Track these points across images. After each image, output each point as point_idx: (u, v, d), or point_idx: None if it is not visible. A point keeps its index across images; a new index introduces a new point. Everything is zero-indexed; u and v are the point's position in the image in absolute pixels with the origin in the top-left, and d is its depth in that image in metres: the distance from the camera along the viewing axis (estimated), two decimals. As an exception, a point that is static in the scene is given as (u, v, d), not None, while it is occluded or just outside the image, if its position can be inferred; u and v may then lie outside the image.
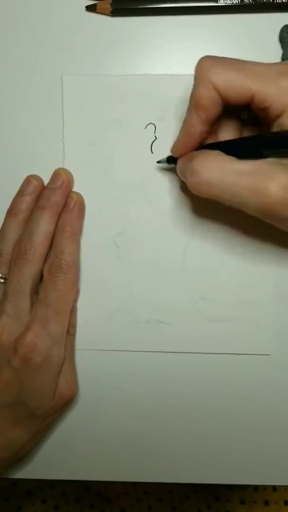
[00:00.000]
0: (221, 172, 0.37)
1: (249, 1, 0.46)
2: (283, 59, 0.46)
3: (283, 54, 0.46)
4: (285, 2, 0.46)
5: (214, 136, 0.43)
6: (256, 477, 0.50)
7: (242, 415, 0.49)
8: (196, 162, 0.38)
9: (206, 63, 0.38)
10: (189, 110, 0.40)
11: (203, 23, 0.47)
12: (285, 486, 0.98)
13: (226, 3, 0.46)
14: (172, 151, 0.43)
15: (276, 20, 0.47)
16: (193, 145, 0.41)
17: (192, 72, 0.42)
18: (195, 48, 0.48)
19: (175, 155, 0.43)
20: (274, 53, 0.47)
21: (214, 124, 0.41)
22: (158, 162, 0.47)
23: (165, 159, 0.46)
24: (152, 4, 0.47)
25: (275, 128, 0.38)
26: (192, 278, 0.48)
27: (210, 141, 0.42)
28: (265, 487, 0.97)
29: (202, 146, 0.41)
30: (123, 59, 0.48)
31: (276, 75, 0.36)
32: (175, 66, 0.48)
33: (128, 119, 0.48)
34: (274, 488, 0.98)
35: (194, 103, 0.39)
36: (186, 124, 0.40)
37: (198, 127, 0.39)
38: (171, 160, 0.46)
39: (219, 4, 0.46)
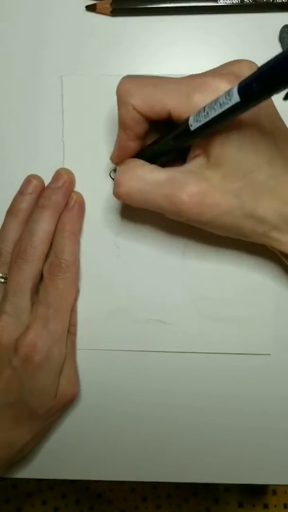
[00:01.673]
0: (139, 183, 0.40)
1: (249, 1, 0.46)
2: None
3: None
4: (285, 2, 0.46)
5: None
6: (257, 477, 0.50)
7: (242, 415, 0.49)
8: (118, 173, 0.42)
9: (124, 85, 0.39)
10: (118, 128, 0.41)
11: (203, 23, 0.47)
12: (285, 490, 0.98)
13: (226, 3, 0.46)
14: (110, 160, 0.44)
15: (276, 20, 0.47)
16: (128, 157, 0.43)
17: (192, 72, 0.42)
18: (195, 48, 0.48)
19: (114, 164, 0.44)
20: (274, 53, 0.47)
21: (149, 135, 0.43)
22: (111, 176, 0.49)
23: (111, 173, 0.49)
24: (152, 4, 0.47)
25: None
26: (192, 278, 0.48)
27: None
28: (265, 491, 0.97)
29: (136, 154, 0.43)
30: (123, 59, 0.48)
31: (189, 90, 0.37)
32: (175, 66, 0.48)
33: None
34: (274, 491, 0.98)
35: (119, 123, 0.40)
36: (117, 141, 0.42)
37: (129, 143, 0.41)
38: None
39: (219, 4, 0.46)
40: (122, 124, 0.40)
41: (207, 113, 0.34)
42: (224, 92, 0.32)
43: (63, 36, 0.48)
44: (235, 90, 0.31)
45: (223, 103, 0.32)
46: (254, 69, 0.35)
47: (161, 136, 0.42)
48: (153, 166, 0.41)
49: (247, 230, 0.40)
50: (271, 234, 0.40)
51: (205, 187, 0.38)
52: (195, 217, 0.39)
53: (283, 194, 0.38)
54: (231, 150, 0.37)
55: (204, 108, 0.34)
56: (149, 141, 0.43)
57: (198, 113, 0.35)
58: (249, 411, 0.49)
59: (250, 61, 0.39)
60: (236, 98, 0.31)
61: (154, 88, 0.38)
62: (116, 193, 0.41)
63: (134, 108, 0.38)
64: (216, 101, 0.33)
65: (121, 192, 0.41)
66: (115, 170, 0.46)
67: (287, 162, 0.38)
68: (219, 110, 0.33)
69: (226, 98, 0.32)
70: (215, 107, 0.33)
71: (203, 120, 0.35)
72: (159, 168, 0.40)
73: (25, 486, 0.90)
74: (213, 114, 0.34)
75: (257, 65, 0.38)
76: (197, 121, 0.35)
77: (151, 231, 0.48)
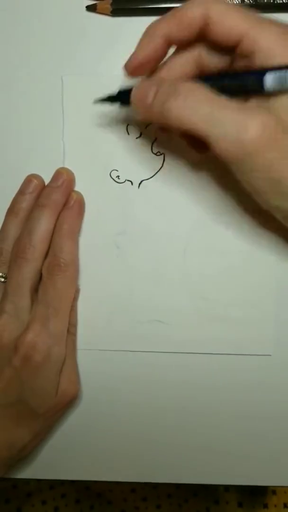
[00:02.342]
0: (209, 103, 0.36)
1: (249, 2, 0.46)
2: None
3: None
4: (285, 3, 0.46)
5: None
6: (257, 478, 0.50)
7: (243, 415, 0.49)
8: (182, 86, 0.37)
9: None
10: (162, 17, 0.38)
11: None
12: (284, 490, 0.98)
13: (226, 2, 0.46)
14: (130, 61, 0.41)
15: (276, 20, 0.47)
16: (153, 61, 0.40)
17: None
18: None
19: (132, 65, 0.40)
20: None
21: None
22: (98, 101, 0.44)
23: (106, 97, 0.44)
24: (152, 4, 0.47)
25: None
26: (192, 278, 0.48)
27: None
28: (264, 491, 0.97)
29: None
30: (123, 59, 0.48)
31: (272, 25, 0.35)
32: (175, 66, 0.48)
33: (128, 119, 0.48)
34: (274, 491, 0.98)
35: (174, 12, 0.38)
36: (149, 29, 0.39)
37: (160, 39, 0.38)
38: (118, 97, 0.43)
39: (219, 3, 0.46)
40: (177, 15, 0.37)
41: None
42: None
43: (63, 36, 0.48)
44: None
45: None
46: None
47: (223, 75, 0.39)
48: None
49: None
50: None
51: (279, 127, 0.35)
52: (258, 153, 0.35)
53: None
54: None
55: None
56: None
57: (280, 77, 0.33)
58: (250, 412, 0.49)
59: None
60: None
61: (237, 9, 0.36)
62: (178, 108, 0.36)
63: (207, 14, 0.36)
64: None
65: (186, 107, 0.36)
66: (116, 96, 0.43)
67: None
68: None
69: None
70: None
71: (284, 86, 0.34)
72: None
73: (25, 486, 0.90)
74: None
75: None
76: (276, 82, 0.34)
77: (151, 231, 0.48)
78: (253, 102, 0.36)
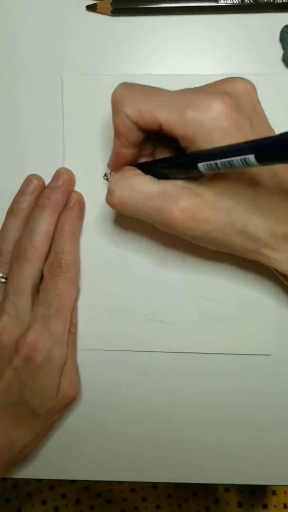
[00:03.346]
0: (131, 193, 0.40)
1: (250, 1, 0.46)
2: (283, 60, 0.46)
3: (283, 54, 0.46)
4: (286, 2, 0.46)
5: (150, 155, 0.44)
6: (257, 477, 0.50)
7: (243, 415, 0.49)
8: (112, 181, 0.41)
9: (118, 92, 0.39)
10: (114, 135, 0.41)
11: (204, 23, 0.47)
12: (284, 490, 0.98)
13: (226, 3, 0.46)
14: (107, 166, 0.44)
15: (276, 20, 0.47)
16: (125, 163, 0.43)
17: (192, 72, 0.42)
18: (195, 48, 0.48)
19: (111, 170, 0.44)
20: (274, 53, 0.47)
21: (147, 143, 0.43)
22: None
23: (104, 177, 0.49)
24: (152, 4, 0.47)
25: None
26: (192, 278, 0.48)
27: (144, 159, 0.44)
28: (264, 491, 0.97)
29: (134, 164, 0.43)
30: (123, 59, 0.48)
31: (181, 106, 0.37)
32: (176, 66, 0.48)
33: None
34: (274, 492, 0.98)
35: (114, 130, 0.40)
36: (113, 147, 0.42)
37: (123, 150, 0.41)
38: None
39: (219, 4, 0.46)
40: (116, 131, 0.40)
41: (219, 167, 0.34)
42: (239, 158, 0.32)
43: (63, 35, 0.48)
44: (252, 159, 0.31)
45: (238, 165, 0.32)
46: (249, 89, 0.37)
47: (163, 160, 0.42)
48: (147, 177, 0.41)
49: (238, 246, 0.40)
50: (262, 251, 0.40)
51: (197, 203, 0.38)
52: (186, 232, 0.39)
53: (273, 212, 0.38)
54: None
55: (216, 164, 0.34)
56: (146, 150, 0.43)
57: (210, 166, 0.35)
58: (250, 412, 0.49)
59: (245, 80, 0.38)
60: (253, 163, 0.31)
61: (146, 98, 0.38)
62: (109, 201, 0.41)
63: (127, 116, 0.38)
64: (230, 162, 0.33)
65: (113, 201, 0.41)
66: (109, 174, 0.47)
67: (278, 182, 0.38)
68: (231, 168, 0.33)
69: (241, 162, 0.32)
70: (228, 166, 0.33)
71: (214, 170, 0.35)
72: (153, 180, 0.40)
73: (25, 486, 0.90)
74: (224, 169, 0.34)
75: (252, 84, 0.38)
76: (208, 169, 0.35)
77: (152, 231, 0.48)
78: (179, 182, 0.40)
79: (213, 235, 0.39)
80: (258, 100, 0.39)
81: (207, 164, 0.35)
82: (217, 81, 0.39)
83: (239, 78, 0.39)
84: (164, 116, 0.37)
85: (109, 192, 0.41)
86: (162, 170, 0.41)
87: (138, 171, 0.41)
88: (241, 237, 0.39)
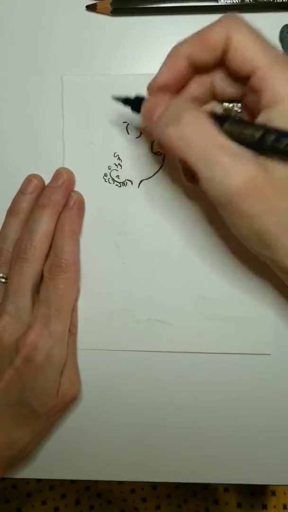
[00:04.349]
0: (206, 139, 0.35)
1: (250, 1, 0.46)
2: (283, 59, 0.46)
3: (283, 54, 0.46)
4: (286, 2, 0.46)
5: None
6: (257, 477, 0.50)
7: (243, 414, 0.49)
8: (187, 114, 0.36)
9: (239, 18, 0.36)
10: (187, 38, 0.38)
11: (204, 23, 0.47)
12: (284, 491, 0.98)
13: (226, 2, 0.46)
14: (154, 81, 0.40)
15: (276, 20, 0.47)
16: (177, 82, 0.39)
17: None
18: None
19: (156, 86, 0.40)
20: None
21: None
22: (115, 98, 0.43)
23: (123, 98, 0.43)
24: (152, 4, 0.47)
25: (259, 120, 0.36)
26: (192, 278, 0.48)
27: None
28: (264, 492, 0.97)
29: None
30: (123, 59, 0.48)
31: (285, 64, 0.35)
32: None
33: (128, 118, 0.48)
34: (273, 492, 0.98)
35: (199, 34, 0.37)
36: (175, 50, 0.39)
37: (184, 61, 0.38)
38: (132, 102, 0.42)
39: (219, 3, 0.46)
40: (202, 37, 0.37)
41: None
42: None
43: (63, 36, 0.48)
44: None
45: None
46: None
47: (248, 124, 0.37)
48: (223, 136, 0.35)
49: (280, 242, 0.36)
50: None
51: (270, 179, 0.34)
52: (242, 203, 0.35)
53: None
54: None
55: None
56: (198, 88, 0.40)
57: None
58: (249, 411, 0.49)
59: None
60: None
61: (258, 41, 0.35)
62: (174, 134, 0.36)
63: (230, 39, 0.35)
64: None
65: (180, 137, 0.36)
66: (131, 101, 0.42)
67: None
68: None
69: None
70: None
71: None
72: (227, 138, 0.35)
73: (25, 486, 0.90)
74: None
75: None
76: None
77: (152, 231, 0.48)
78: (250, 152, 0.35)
79: (264, 218, 0.35)
80: None
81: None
82: None
83: None
84: (267, 63, 0.35)
85: (178, 125, 0.36)
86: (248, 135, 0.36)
87: (210, 121, 0.36)
88: (283, 234, 0.35)
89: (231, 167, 0.34)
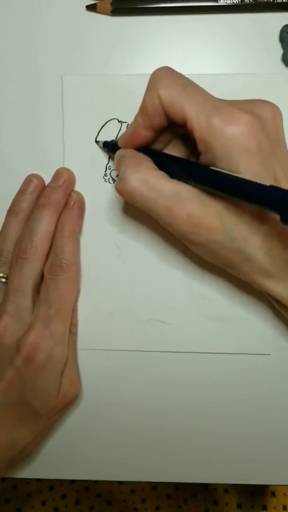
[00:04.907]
0: (144, 187, 0.39)
1: (250, 1, 0.46)
2: (283, 59, 0.47)
3: (283, 54, 0.46)
4: (285, 2, 0.46)
5: (162, 146, 0.44)
6: (256, 478, 0.50)
7: (243, 414, 0.49)
8: (127, 169, 0.40)
9: (161, 73, 0.39)
10: (138, 112, 0.41)
11: (203, 23, 0.47)
12: (284, 492, 0.98)
13: (226, 2, 0.46)
14: (118, 141, 0.43)
15: (276, 20, 0.47)
16: (137, 144, 0.42)
17: (192, 72, 0.42)
18: (195, 48, 0.48)
19: (120, 146, 0.43)
20: (274, 53, 0.47)
21: (164, 135, 0.43)
22: (96, 142, 0.48)
23: (102, 144, 0.48)
24: (152, 4, 0.47)
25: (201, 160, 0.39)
26: (192, 278, 0.48)
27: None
28: (263, 492, 0.97)
29: (143, 148, 0.42)
30: (123, 59, 0.48)
31: (211, 111, 0.37)
32: (175, 66, 0.47)
33: (128, 118, 0.48)
34: (273, 493, 0.98)
35: (141, 107, 0.40)
36: (132, 123, 0.41)
37: (142, 130, 0.41)
38: (111, 146, 0.47)
39: (219, 3, 0.46)
40: (143, 109, 0.40)
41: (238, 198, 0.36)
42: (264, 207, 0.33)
43: (63, 35, 0.48)
44: (277, 217, 0.32)
45: (259, 207, 0.34)
46: (276, 113, 0.38)
47: (181, 160, 0.42)
48: (161, 174, 0.40)
49: (234, 263, 0.40)
50: (254, 275, 0.40)
51: (205, 212, 0.38)
52: (188, 236, 0.39)
53: (281, 241, 0.38)
54: None
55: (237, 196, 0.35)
56: (161, 142, 0.43)
57: (230, 193, 0.36)
58: (249, 411, 0.49)
59: (273, 104, 0.39)
60: (276, 218, 0.33)
61: (184, 89, 0.38)
62: (119, 189, 0.40)
63: (159, 98, 0.38)
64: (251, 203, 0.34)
65: (124, 190, 0.40)
66: (109, 145, 0.47)
67: None
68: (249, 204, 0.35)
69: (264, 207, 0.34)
70: (246, 203, 0.35)
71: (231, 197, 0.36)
72: (166, 177, 0.40)
73: (25, 487, 0.90)
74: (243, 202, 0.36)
75: (279, 110, 0.39)
76: (226, 195, 0.36)
77: (152, 231, 0.48)
78: (188, 188, 0.39)
79: (211, 246, 0.39)
80: (282, 127, 0.39)
81: (228, 192, 0.36)
82: (245, 100, 0.39)
83: (267, 101, 0.39)
84: (192, 114, 0.37)
85: (121, 181, 0.40)
86: (178, 171, 0.40)
87: (153, 165, 0.41)
88: (239, 256, 0.39)
89: (171, 211, 0.39)
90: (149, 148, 0.43)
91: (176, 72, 0.40)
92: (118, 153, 0.43)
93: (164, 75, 0.39)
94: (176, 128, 0.41)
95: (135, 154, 0.42)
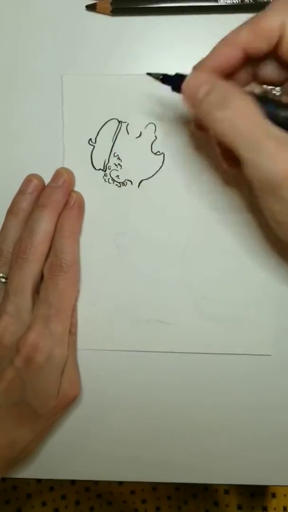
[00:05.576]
0: (253, 124, 0.35)
1: (249, 1, 0.46)
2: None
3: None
4: (285, 2, 0.46)
5: None
6: (257, 477, 0.50)
7: (243, 415, 0.49)
8: (233, 99, 0.35)
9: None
10: (241, 25, 0.37)
11: (203, 23, 0.47)
12: (284, 493, 0.98)
13: (226, 2, 0.46)
14: (201, 64, 0.39)
15: (276, 20, 0.47)
16: (226, 69, 0.38)
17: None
18: (195, 47, 0.47)
19: (201, 68, 0.38)
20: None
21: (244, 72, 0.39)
22: (149, 74, 0.41)
23: (161, 76, 0.40)
24: (152, 4, 0.47)
25: None
26: (192, 278, 0.48)
27: None
28: (264, 494, 0.97)
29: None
30: (123, 59, 0.48)
31: None
32: (176, 66, 0.47)
33: (128, 118, 0.48)
34: (274, 494, 0.97)
35: (253, 21, 0.36)
36: (229, 36, 0.37)
37: (236, 50, 0.37)
38: (173, 81, 0.39)
39: (219, 3, 0.46)
40: (256, 24, 0.36)
41: None
42: None
43: (63, 35, 0.48)
44: None
45: None
46: None
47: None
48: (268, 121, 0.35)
49: None
50: None
51: None
52: (285, 189, 0.34)
53: None
54: None
55: None
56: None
57: None
58: (250, 412, 0.49)
59: None
60: None
61: None
62: (222, 116, 0.35)
63: (285, 25, 0.35)
64: None
65: (228, 118, 0.35)
66: (171, 79, 0.40)
67: None
68: None
69: None
70: None
71: None
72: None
73: (25, 487, 0.90)
74: None
75: None
76: None
77: (152, 231, 0.48)
78: None
79: None
80: None
81: None
82: None
83: None
84: None
85: (226, 108, 0.35)
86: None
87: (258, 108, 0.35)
88: None
89: (277, 154, 0.34)
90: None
91: None
92: (197, 79, 0.37)
93: None
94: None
95: (229, 84, 0.37)
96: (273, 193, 0.35)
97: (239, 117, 0.35)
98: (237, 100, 0.35)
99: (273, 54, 0.37)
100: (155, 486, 0.93)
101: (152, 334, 0.49)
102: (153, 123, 0.48)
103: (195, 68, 0.39)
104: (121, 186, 0.48)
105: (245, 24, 0.37)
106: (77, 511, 0.89)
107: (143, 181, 0.48)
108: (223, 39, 0.38)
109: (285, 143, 0.34)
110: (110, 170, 0.48)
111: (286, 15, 0.35)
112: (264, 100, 0.37)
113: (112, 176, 0.48)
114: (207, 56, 0.38)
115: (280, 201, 0.35)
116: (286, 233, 0.38)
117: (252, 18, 0.36)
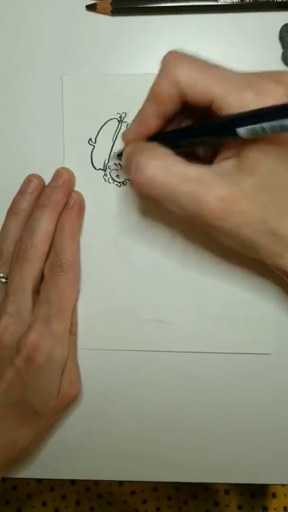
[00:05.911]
0: (165, 173, 0.36)
1: (249, 0, 0.46)
2: (283, 58, 0.47)
3: (283, 54, 0.46)
4: (285, 1, 0.46)
5: None
6: (257, 477, 0.50)
7: (243, 414, 0.49)
8: (142, 158, 0.37)
9: (174, 58, 0.37)
10: (146, 100, 0.39)
11: (203, 22, 0.47)
12: (284, 493, 0.98)
13: (226, 2, 0.46)
14: (122, 137, 0.42)
15: (276, 19, 0.47)
16: (145, 136, 0.40)
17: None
18: (195, 47, 0.47)
19: (124, 142, 0.41)
20: (274, 53, 0.47)
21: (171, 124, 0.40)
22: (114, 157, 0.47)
23: (116, 154, 0.47)
24: (152, 3, 0.47)
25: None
26: (192, 277, 0.48)
27: None
28: (264, 494, 0.97)
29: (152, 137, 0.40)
30: (123, 59, 0.48)
31: (241, 85, 0.35)
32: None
33: (128, 118, 0.48)
34: (274, 494, 0.97)
35: (152, 94, 0.38)
36: (141, 113, 0.39)
37: (152, 120, 0.39)
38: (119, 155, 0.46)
39: (219, 3, 0.46)
40: (156, 96, 0.37)
41: (265, 132, 0.32)
42: None
43: (63, 35, 0.48)
44: None
45: None
46: None
47: (190, 127, 0.40)
48: (179, 158, 0.37)
49: (263, 247, 0.37)
50: (285, 254, 0.37)
51: (234, 193, 0.35)
52: (216, 222, 0.36)
53: None
54: (269, 160, 0.34)
55: (263, 129, 0.31)
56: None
57: (254, 130, 0.32)
58: (250, 411, 0.49)
59: None
60: None
61: (205, 71, 0.36)
62: (137, 179, 0.37)
63: (177, 84, 0.36)
64: (282, 127, 0.31)
65: (142, 180, 0.36)
66: (120, 155, 0.45)
67: None
68: (279, 131, 0.31)
69: None
70: (277, 129, 0.31)
71: (257, 135, 0.32)
72: (187, 162, 0.36)
73: (25, 487, 0.90)
74: (271, 133, 0.32)
75: None
76: (250, 134, 0.33)
77: (152, 231, 0.48)
78: (215, 168, 0.37)
79: (241, 231, 0.36)
80: None
81: (248, 130, 0.32)
82: (266, 72, 0.36)
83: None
84: (220, 92, 0.35)
85: (138, 170, 0.36)
86: (189, 138, 0.38)
87: (167, 150, 0.38)
88: (269, 238, 0.36)
89: (196, 197, 0.35)
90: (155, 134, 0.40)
91: (187, 54, 0.37)
92: (127, 149, 0.40)
93: (179, 58, 0.36)
94: (188, 112, 0.39)
95: (145, 143, 0.40)
96: (211, 228, 0.37)
97: (150, 173, 0.36)
98: (144, 158, 0.37)
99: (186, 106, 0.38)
100: (155, 486, 0.93)
101: (152, 333, 0.49)
102: (153, 123, 0.48)
103: (122, 139, 0.42)
104: (121, 186, 0.49)
105: (147, 98, 0.39)
106: (77, 511, 0.89)
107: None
108: (136, 115, 0.40)
109: (201, 182, 0.36)
110: (110, 170, 0.48)
111: (175, 74, 0.36)
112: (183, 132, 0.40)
113: (112, 176, 0.48)
114: (129, 128, 0.41)
115: (219, 231, 0.37)
116: (246, 251, 0.39)
117: (150, 90, 0.38)
